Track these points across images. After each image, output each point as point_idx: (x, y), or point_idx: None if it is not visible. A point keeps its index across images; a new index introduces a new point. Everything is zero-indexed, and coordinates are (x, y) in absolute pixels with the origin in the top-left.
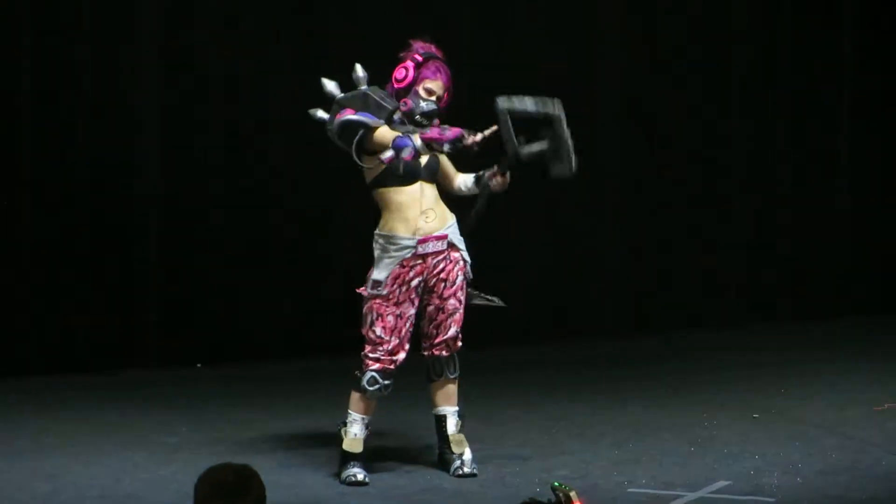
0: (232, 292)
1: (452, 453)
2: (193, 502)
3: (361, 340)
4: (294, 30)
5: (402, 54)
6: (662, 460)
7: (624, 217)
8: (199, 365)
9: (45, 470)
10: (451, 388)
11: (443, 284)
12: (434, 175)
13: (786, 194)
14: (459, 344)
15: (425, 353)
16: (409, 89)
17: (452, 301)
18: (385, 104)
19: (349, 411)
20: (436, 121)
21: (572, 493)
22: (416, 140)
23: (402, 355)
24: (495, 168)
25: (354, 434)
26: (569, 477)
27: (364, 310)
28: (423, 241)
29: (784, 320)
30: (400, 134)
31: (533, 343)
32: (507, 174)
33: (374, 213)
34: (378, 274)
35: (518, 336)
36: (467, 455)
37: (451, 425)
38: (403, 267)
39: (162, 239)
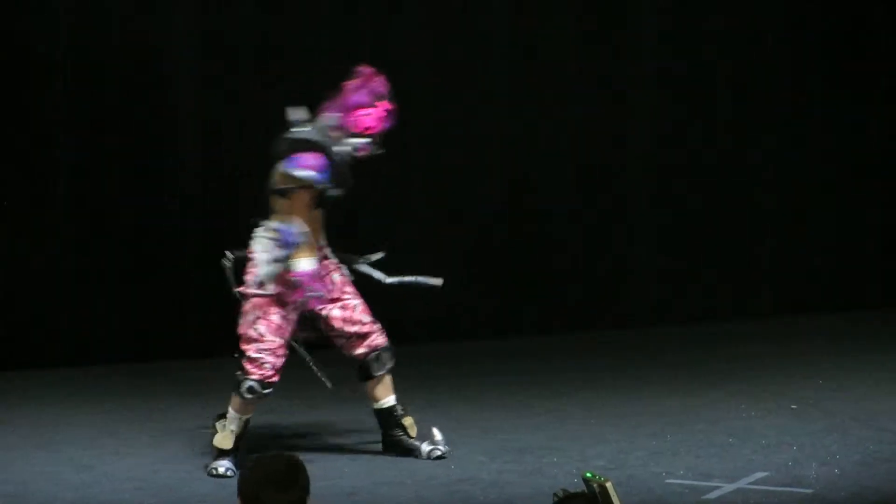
0: None
1: (414, 438)
2: (239, 490)
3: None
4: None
5: (356, 89)
6: (700, 451)
7: (653, 208)
8: (235, 355)
9: (80, 461)
10: (388, 379)
11: (327, 289)
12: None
13: (819, 183)
14: (382, 333)
15: (361, 352)
16: (364, 135)
17: (347, 295)
18: (344, 180)
19: (229, 408)
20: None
21: (608, 484)
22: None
23: (282, 361)
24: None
25: (232, 430)
26: (606, 468)
27: (246, 307)
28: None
29: (819, 310)
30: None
31: (566, 333)
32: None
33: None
34: (263, 276)
35: (552, 325)
36: (438, 436)
37: (400, 412)
38: (287, 270)
39: (199, 230)
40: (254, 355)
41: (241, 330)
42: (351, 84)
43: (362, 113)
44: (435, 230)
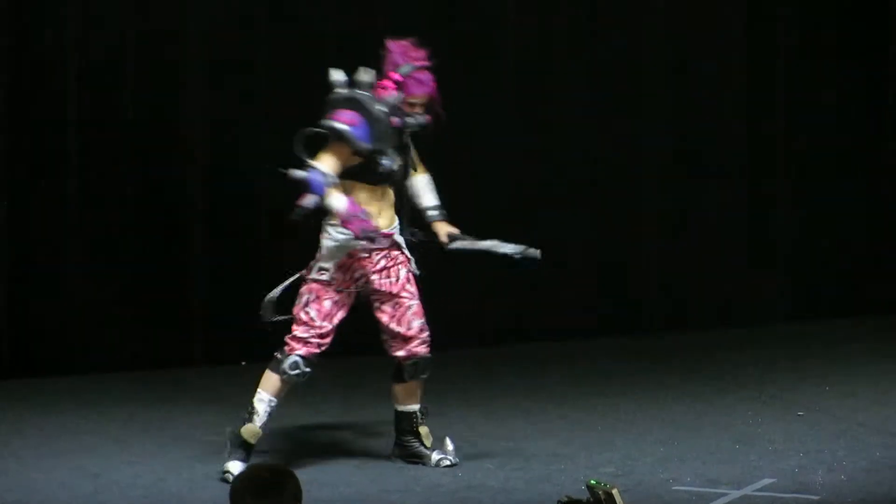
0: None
1: (428, 447)
2: (230, 500)
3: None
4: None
5: (383, 57)
6: (707, 458)
7: (663, 213)
8: (243, 363)
9: (88, 469)
10: (417, 386)
11: (388, 282)
12: (398, 182)
13: (829, 189)
14: (429, 340)
15: (400, 355)
16: (400, 106)
17: (405, 294)
18: (384, 140)
19: (259, 389)
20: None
21: (614, 491)
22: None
23: (329, 342)
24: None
25: (258, 417)
26: (614, 474)
27: (302, 290)
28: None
29: (827, 316)
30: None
31: (574, 339)
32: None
33: None
34: (325, 262)
35: (560, 332)
36: (450, 446)
37: (419, 420)
38: (351, 257)
39: (207, 237)
40: (301, 335)
41: (295, 311)
42: (394, 50)
43: (409, 78)
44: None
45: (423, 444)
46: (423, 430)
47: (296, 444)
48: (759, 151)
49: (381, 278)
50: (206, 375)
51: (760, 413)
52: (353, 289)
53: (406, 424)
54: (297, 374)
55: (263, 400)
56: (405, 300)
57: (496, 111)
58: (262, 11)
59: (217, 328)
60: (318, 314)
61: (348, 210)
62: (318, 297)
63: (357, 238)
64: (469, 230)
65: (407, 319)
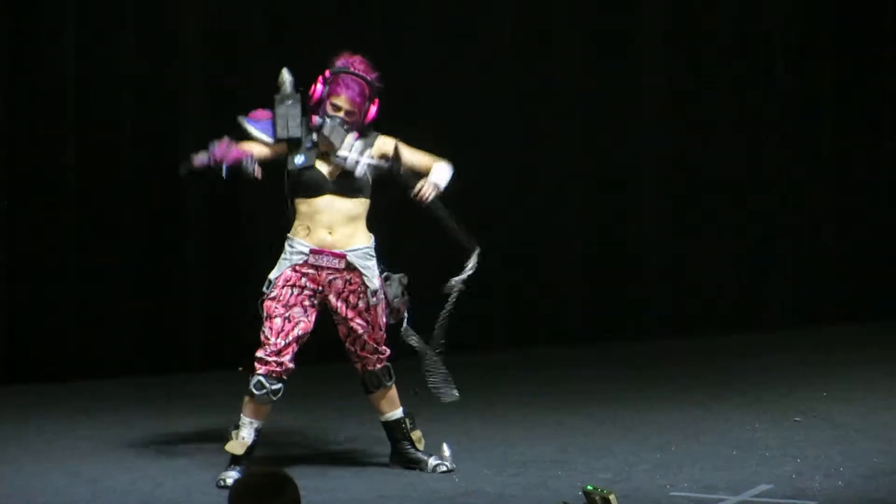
0: None
1: (422, 451)
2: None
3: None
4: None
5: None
6: (704, 463)
7: (661, 219)
8: (240, 368)
9: (85, 475)
10: (392, 393)
11: (343, 305)
12: (356, 192)
13: (829, 197)
14: (385, 357)
15: (357, 367)
16: (320, 105)
17: (357, 323)
18: (295, 132)
19: (241, 415)
20: (354, 134)
21: (611, 496)
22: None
23: (288, 358)
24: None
25: (242, 437)
26: (611, 480)
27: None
28: (316, 252)
29: (825, 322)
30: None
31: (572, 345)
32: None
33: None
34: (272, 274)
35: (558, 337)
36: (447, 451)
37: (409, 425)
38: (295, 272)
39: (204, 242)
40: (259, 355)
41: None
42: (344, 57)
43: (336, 77)
44: (434, 242)
45: (416, 448)
46: (416, 434)
47: (294, 449)
48: (758, 156)
49: (336, 300)
50: (203, 381)
51: (758, 419)
52: (307, 304)
53: (397, 433)
54: (262, 395)
55: (245, 424)
56: (358, 328)
57: (496, 111)
58: (261, 30)
59: (214, 334)
60: (270, 332)
61: (221, 141)
62: (269, 316)
63: (209, 162)
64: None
65: (360, 342)
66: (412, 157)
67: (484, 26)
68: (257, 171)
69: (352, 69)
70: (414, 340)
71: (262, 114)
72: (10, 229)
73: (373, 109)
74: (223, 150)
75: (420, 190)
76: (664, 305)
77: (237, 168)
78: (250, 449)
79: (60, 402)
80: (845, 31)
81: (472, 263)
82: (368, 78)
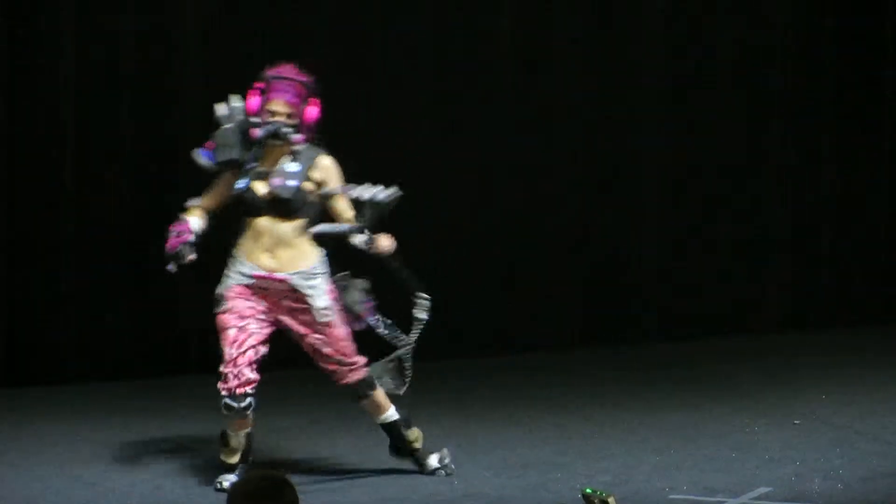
0: None
1: (421, 451)
2: None
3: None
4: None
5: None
6: (704, 466)
7: (660, 222)
8: None
9: (84, 478)
10: (380, 397)
11: (295, 322)
12: (292, 213)
13: (827, 197)
14: (358, 367)
15: (335, 380)
16: (260, 116)
17: (315, 338)
18: (230, 154)
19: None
20: (298, 136)
21: (610, 499)
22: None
23: (246, 367)
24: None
25: (233, 447)
26: (611, 483)
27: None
28: (259, 277)
29: (825, 325)
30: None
31: (571, 348)
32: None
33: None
34: (219, 289)
35: (556, 341)
36: (447, 455)
37: (404, 426)
38: (249, 288)
39: (201, 245)
40: (221, 371)
41: None
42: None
43: (268, 83)
44: (435, 245)
45: (414, 447)
46: (413, 433)
47: (292, 452)
48: (758, 156)
49: (288, 318)
50: (201, 383)
51: (757, 421)
52: (261, 318)
53: (393, 432)
54: (231, 413)
55: (232, 435)
56: (316, 342)
57: (496, 111)
58: (261, 30)
59: (212, 336)
60: (225, 342)
61: (173, 227)
62: (223, 328)
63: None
64: (468, 231)
65: (322, 356)
66: (338, 203)
67: (484, 26)
68: (190, 258)
69: (280, 74)
70: (384, 333)
71: (211, 143)
72: (10, 229)
73: (312, 110)
74: (169, 242)
75: (378, 245)
76: (663, 307)
77: (176, 256)
78: (245, 452)
79: (60, 404)
80: (845, 31)
81: (422, 316)
82: (301, 80)
